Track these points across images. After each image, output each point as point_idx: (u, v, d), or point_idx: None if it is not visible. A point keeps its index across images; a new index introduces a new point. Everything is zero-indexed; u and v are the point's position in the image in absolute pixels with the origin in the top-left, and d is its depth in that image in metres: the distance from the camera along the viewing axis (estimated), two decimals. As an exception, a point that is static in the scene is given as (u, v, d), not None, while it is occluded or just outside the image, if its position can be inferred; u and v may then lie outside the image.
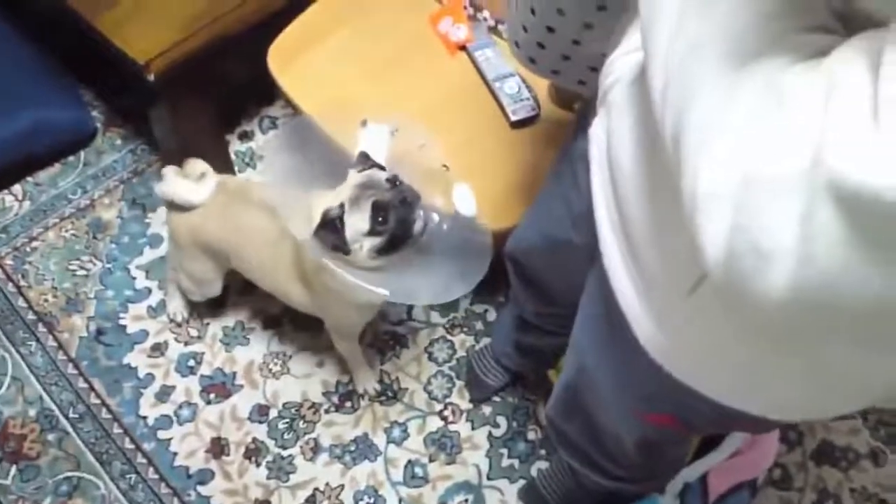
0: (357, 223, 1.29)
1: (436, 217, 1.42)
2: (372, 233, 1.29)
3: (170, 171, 1.59)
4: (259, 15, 1.75)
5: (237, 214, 1.54)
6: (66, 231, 1.96)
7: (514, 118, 1.68)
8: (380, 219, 1.28)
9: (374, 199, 1.28)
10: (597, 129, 0.85)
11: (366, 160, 1.38)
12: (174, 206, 1.58)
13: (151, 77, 1.65)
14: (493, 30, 1.80)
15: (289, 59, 1.76)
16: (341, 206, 1.29)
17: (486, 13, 1.79)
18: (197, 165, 1.60)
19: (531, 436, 1.74)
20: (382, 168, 1.38)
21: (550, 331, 1.52)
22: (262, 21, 1.77)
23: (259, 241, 1.52)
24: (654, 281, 0.75)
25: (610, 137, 0.81)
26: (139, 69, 1.64)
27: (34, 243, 1.93)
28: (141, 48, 1.64)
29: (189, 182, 1.57)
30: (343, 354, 1.74)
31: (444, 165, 1.47)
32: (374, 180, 1.32)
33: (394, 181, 1.32)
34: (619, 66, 0.81)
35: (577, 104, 1.69)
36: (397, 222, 1.29)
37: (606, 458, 1.21)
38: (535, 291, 1.38)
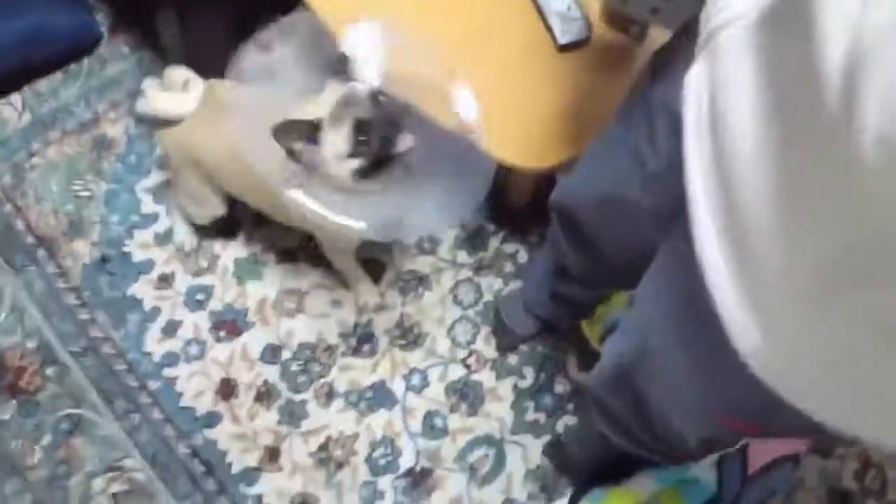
0: (336, 143, 1.16)
1: (431, 131, 1.24)
2: (353, 154, 1.16)
3: (149, 84, 1.47)
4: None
5: (224, 123, 1.38)
6: (69, 147, 1.81)
7: (562, 41, 1.48)
8: (361, 138, 1.15)
9: (356, 116, 1.15)
10: (695, 80, 0.68)
11: (345, 65, 1.22)
12: (162, 122, 1.45)
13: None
14: (541, -63, 1.58)
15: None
16: (318, 123, 1.15)
17: (533, -83, 1.57)
18: (177, 73, 1.46)
19: (559, 389, 1.62)
20: (365, 79, 1.22)
21: (595, 284, 1.38)
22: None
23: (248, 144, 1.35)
24: (770, 283, 0.60)
25: (716, 92, 0.64)
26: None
27: (34, 160, 1.80)
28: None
29: (172, 94, 1.44)
30: (339, 268, 1.62)
31: (451, 72, 1.29)
32: (356, 95, 1.18)
33: (376, 96, 1.18)
34: (735, 1, 0.64)
35: (636, 26, 1.49)
36: (380, 142, 1.15)
37: (653, 439, 1.08)
38: (584, 246, 1.23)
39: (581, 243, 1.23)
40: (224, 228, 1.71)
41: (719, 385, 0.76)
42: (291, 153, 1.16)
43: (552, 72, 1.49)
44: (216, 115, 1.40)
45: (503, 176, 1.46)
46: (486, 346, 1.65)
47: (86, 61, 1.92)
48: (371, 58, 1.28)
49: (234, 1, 1.74)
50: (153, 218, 1.74)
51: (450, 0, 1.53)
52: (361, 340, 1.64)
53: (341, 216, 1.16)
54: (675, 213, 0.84)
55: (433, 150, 1.23)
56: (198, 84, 1.47)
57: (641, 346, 0.92)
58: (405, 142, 1.18)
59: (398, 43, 1.32)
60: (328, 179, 1.19)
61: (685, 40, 0.85)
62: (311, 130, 1.16)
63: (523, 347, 1.65)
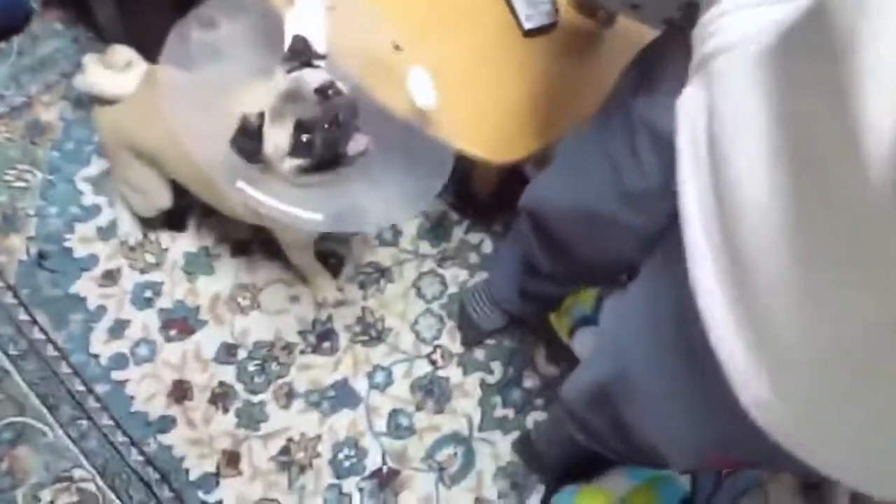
0: (277, 139, 1.10)
1: (384, 117, 1.19)
2: (293, 153, 1.10)
3: (90, 59, 1.39)
4: None
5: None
6: (0, 134, 1.69)
7: (527, 25, 1.43)
8: (303, 139, 1.08)
9: (298, 116, 1.09)
10: (689, 103, 0.63)
11: (299, 53, 1.15)
12: (98, 100, 1.38)
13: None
14: (505, -87, 1.51)
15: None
16: (261, 115, 1.09)
17: None
18: (121, 53, 1.38)
19: (528, 384, 1.59)
20: (320, 59, 1.16)
21: (566, 283, 1.34)
22: None
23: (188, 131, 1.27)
24: (778, 335, 0.55)
25: (714, 119, 0.59)
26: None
27: (-40, 148, 1.67)
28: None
29: (112, 72, 1.36)
30: (296, 263, 1.55)
31: (396, 46, 1.23)
32: (302, 90, 1.11)
33: (325, 91, 1.10)
34: (735, 23, 0.58)
35: (602, 11, 1.44)
36: (324, 145, 1.09)
37: (630, 451, 1.05)
38: (556, 250, 1.19)
39: (553, 247, 1.18)
40: (172, 220, 1.62)
41: (711, 424, 0.72)
42: (239, 148, 1.09)
43: (518, 58, 1.44)
44: (156, 98, 1.29)
45: (467, 164, 1.40)
46: (451, 341, 1.60)
47: (15, 39, 1.78)
48: (315, 36, 1.21)
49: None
50: (95, 210, 1.63)
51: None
52: (321, 337, 1.58)
53: (294, 208, 1.09)
54: (661, 233, 0.80)
55: (387, 137, 1.17)
56: (141, 65, 1.38)
57: (624, 371, 0.87)
58: (357, 145, 1.11)
59: (344, 15, 1.25)
60: (275, 171, 1.12)
61: (669, 50, 0.80)
62: (252, 126, 1.09)
63: (490, 341, 1.61)
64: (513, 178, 1.61)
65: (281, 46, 1.19)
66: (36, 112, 1.71)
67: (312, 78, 1.13)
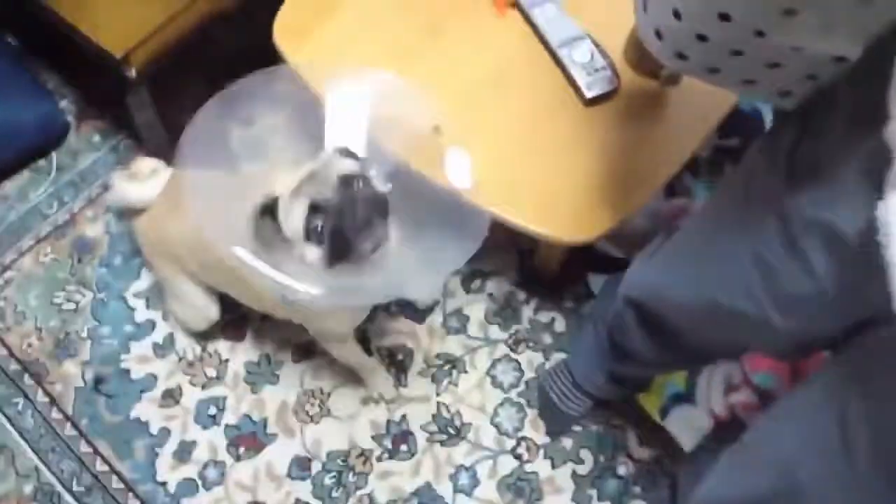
0: (294, 220, 1.03)
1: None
2: (308, 237, 1.03)
3: (116, 176, 1.41)
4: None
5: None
6: (46, 255, 1.63)
7: (589, 94, 1.34)
8: (317, 226, 1.02)
9: (312, 197, 1.02)
10: None
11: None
12: (132, 213, 1.38)
13: (132, 72, 1.31)
14: (550, -21, 1.45)
15: (300, 33, 1.40)
16: (276, 198, 1.04)
17: (540, -40, 1.43)
18: (145, 163, 1.38)
19: (622, 471, 1.47)
20: (354, 156, 1.11)
21: (664, 368, 1.24)
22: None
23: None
24: None
25: None
26: (116, 63, 1.30)
27: (7, 273, 1.61)
28: (116, 37, 1.29)
29: (140, 183, 1.36)
30: (344, 362, 1.47)
31: (436, 128, 1.17)
32: (323, 173, 1.05)
33: (349, 180, 1.04)
34: None
35: (666, 71, 1.36)
36: (333, 233, 1.02)
37: None
38: (667, 341, 1.09)
39: (664, 337, 1.09)
40: (229, 330, 1.55)
41: None
42: (257, 231, 1.04)
43: (580, 129, 1.35)
44: (180, 195, 1.26)
45: (530, 239, 1.32)
46: (535, 432, 1.49)
47: (54, 155, 1.75)
48: (355, 125, 1.15)
49: (215, 75, 1.59)
50: (149, 326, 1.56)
51: (452, 54, 1.39)
52: (397, 440, 1.48)
53: (287, 279, 1.01)
54: (847, 337, 0.71)
55: (417, 206, 1.12)
56: (166, 172, 1.37)
57: (785, 484, 0.77)
58: (374, 239, 1.05)
59: (386, 93, 1.19)
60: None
61: (831, 135, 0.71)
62: (269, 205, 1.05)
63: (576, 428, 1.50)
64: (579, 248, 1.51)
65: (320, 135, 1.15)
66: (81, 228, 1.66)
67: (341, 165, 1.08)
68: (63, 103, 1.79)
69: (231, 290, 1.37)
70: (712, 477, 0.93)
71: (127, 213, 1.40)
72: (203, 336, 1.53)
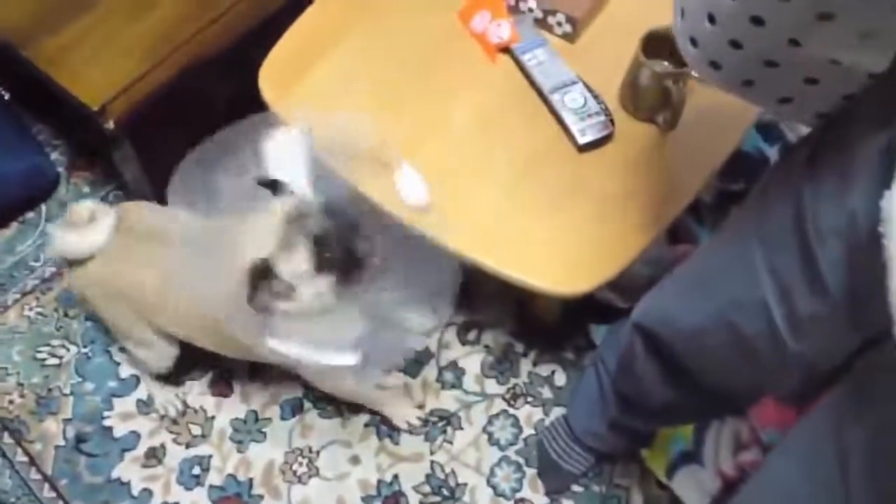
0: (295, 266, 1.03)
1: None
2: (320, 269, 1.04)
3: (52, 229, 1.37)
4: (240, 30, 1.37)
5: (150, 253, 1.24)
6: (31, 309, 1.60)
7: (582, 140, 1.29)
8: (326, 254, 1.03)
9: (314, 233, 1.04)
10: None
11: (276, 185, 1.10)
12: (72, 263, 1.31)
13: (110, 124, 1.28)
14: (542, 23, 1.41)
15: (286, 81, 1.37)
16: (265, 260, 1.02)
17: (531, 2, 1.40)
18: (80, 210, 1.31)
19: (627, 533, 1.40)
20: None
21: (674, 420, 1.19)
22: (245, 35, 1.39)
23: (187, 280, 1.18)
24: None
25: None
26: (94, 115, 1.27)
27: (-9, 328, 1.58)
28: (94, 89, 1.27)
29: (79, 230, 1.29)
30: (353, 399, 1.43)
31: (376, 146, 1.16)
32: (305, 209, 1.05)
33: (330, 206, 1.06)
34: None
35: (663, 114, 1.31)
36: (344, 252, 1.04)
37: None
38: (673, 377, 1.05)
39: (676, 373, 1.04)
40: (217, 386, 1.49)
41: None
42: (258, 306, 1.03)
43: (575, 176, 1.30)
44: (139, 241, 1.26)
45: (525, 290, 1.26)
46: (534, 492, 1.42)
47: (43, 207, 1.71)
48: (296, 166, 1.13)
49: (202, 123, 1.56)
50: (133, 383, 1.51)
51: (441, 101, 1.35)
52: (389, 501, 1.41)
53: (327, 353, 1.06)
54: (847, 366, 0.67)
55: (392, 253, 1.11)
56: (106, 213, 1.31)
57: None
58: (373, 248, 1.07)
59: (324, 126, 1.17)
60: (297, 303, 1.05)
61: (860, 127, 0.67)
62: (263, 271, 1.02)
63: (577, 488, 1.42)
64: (579, 298, 1.45)
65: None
66: (67, 282, 1.62)
67: (311, 199, 1.08)
68: (54, 154, 1.77)
69: (206, 342, 1.32)
70: None
71: (72, 264, 1.32)
72: (167, 380, 1.48)
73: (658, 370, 1.08)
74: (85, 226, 1.29)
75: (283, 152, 1.13)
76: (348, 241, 1.05)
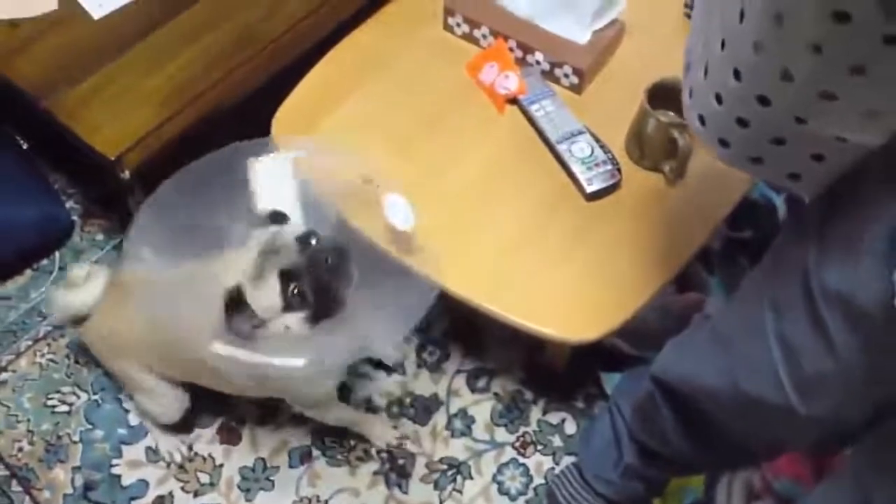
0: (266, 300, 1.03)
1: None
2: (288, 308, 1.03)
3: (50, 292, 1.44)
4: (254, 83, 1.40)
5: (137, 301, 1.24)
6: (42, 356, 1.60)
7: (589, 189, 1.31)
8: (294, 291, 1.03)
9: (280, 268, 1.03)
10: None
11: (271, 218, 1.12)
12: (76, 321, 1.39)
13: (126, 174, 1.30)
14: (549, 75, 1.44)
15: (298, 130, 1.40)
16: (238, 287, 1.03)
17: (538, 55, 1.43)
18: (77, 272, 1.37)
19: (639, 586, 1.37)
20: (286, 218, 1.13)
21: (690, 470, 1.18)
22: (259, 88, 1.42)
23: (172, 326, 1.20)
24: None
25: None
26: (111, 165, 1.29)
27: (3, 375, 1.58)
28: (111, 139, 1.29)
29: (77, 290, 1.36)
30: (333, 423, 1.44)
31: (366, 178, 1.16)
32: (279, 243, 1.05)
33: (306, 240, 1.05)
34: None
35: (670, 164, 1.32)
36: (317, 292, 1.03)
37: None
38: (698, 432, 1.05)
39: (695, 428, 1.04)
40: (227, 434, 1.49)
41: None
42: (236, 331, 1.03)
43: (582, 224, 1.32)
44: (127, 293, 1.28)
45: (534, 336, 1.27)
46: (545, 543, 1.40)
47: (57, 255, 1.73)
48: (287, 184, 1.17)
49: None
50: (142, 431, 1.51)
51: (450, 151, 1.38)
52: (398, 552, 1.40)
53: (270, 357, 1.02)
54: (869, 423, 0.67)
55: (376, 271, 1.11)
56: (101, 272, 1.38)
57: None
58: (347, 283, 1.06)
59: (310, 154, 1.21)
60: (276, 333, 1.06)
61: (868, 200, 0.68)
62: (234, 296, 1.03)
63: (588, 538, 1.40)
64: (589, 345, 1.45)
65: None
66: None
67: (290, 228, 1.09)
68: (69, 203, 1.80)
69: (196, 379, 1.36)
70: None
71: (76, 323, 1.39)
72: (177, 429, 1.49)
73: (678, 422, 1.08)
74: (82, 286, 1.35)
75: (271, 177, 1.15)
76: (324, 278, 1.04)
